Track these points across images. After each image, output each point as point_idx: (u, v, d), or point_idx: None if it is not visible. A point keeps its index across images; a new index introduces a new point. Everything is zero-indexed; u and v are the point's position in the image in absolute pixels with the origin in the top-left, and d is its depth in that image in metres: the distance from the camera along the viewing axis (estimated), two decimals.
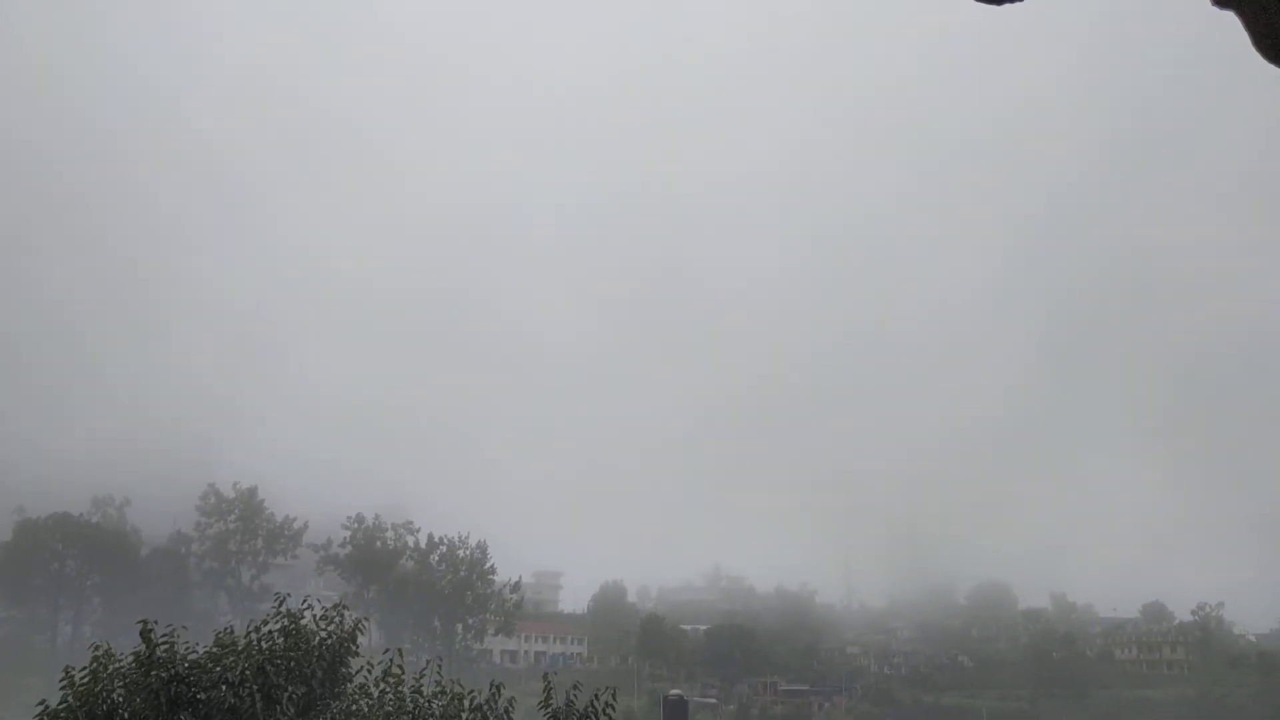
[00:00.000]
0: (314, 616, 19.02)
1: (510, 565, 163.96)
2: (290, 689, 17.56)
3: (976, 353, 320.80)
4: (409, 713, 19.16)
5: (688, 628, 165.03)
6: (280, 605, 19.12)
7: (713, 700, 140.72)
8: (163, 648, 17.94)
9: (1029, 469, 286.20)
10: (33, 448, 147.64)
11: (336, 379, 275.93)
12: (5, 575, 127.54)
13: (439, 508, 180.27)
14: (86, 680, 17.99)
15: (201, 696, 17.36)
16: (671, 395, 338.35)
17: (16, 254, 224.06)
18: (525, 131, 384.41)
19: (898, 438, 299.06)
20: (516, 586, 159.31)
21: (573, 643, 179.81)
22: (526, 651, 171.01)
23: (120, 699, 17.72)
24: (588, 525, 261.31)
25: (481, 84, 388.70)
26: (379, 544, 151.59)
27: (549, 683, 20.15)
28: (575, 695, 20.65)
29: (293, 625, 18.63)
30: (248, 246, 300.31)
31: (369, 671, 19.89)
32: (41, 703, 18.22)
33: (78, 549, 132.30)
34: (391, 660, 19.89)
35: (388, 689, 19.70)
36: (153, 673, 17.61)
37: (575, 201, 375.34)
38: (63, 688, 18.08)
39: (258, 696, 17.16)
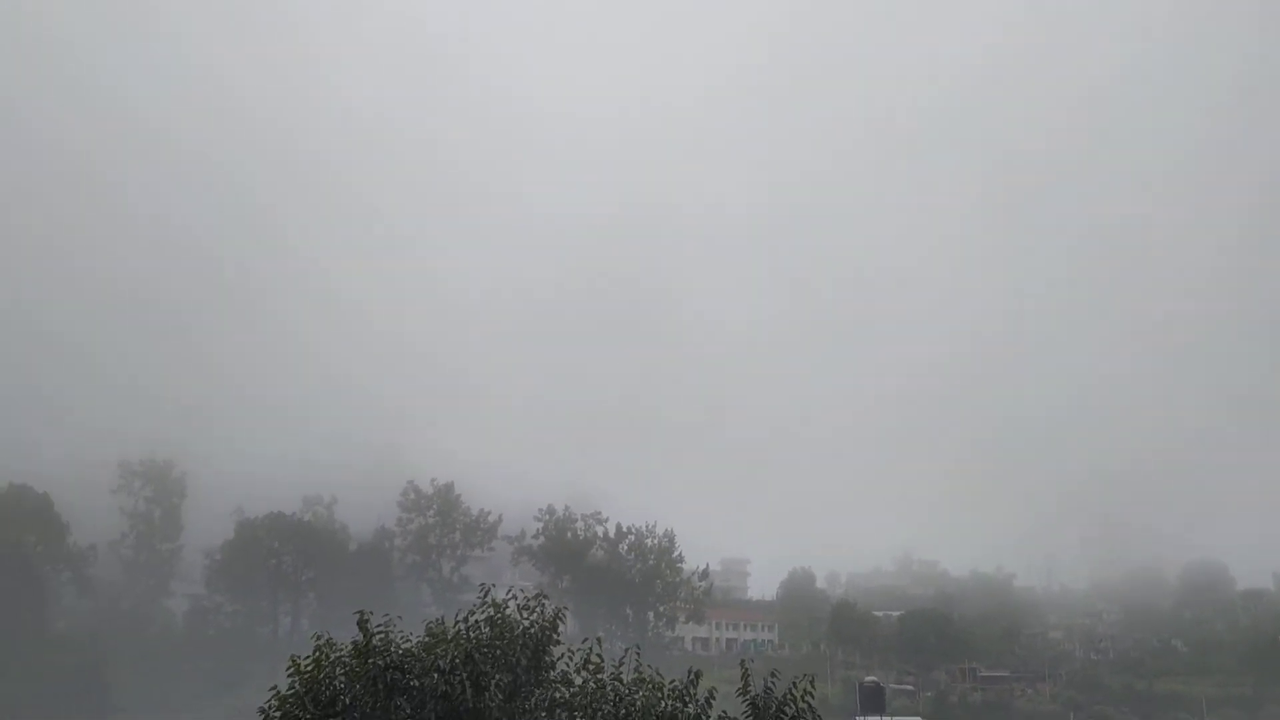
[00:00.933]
0: (516, 606, 19.59)
1: (697, 553, 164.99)
2: (497, 676, 18.13)
3: (1186, 331, 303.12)
4: (610, 701, 19.50)
5: (880, 614, 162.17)
6: (485, 595, 19.79)
7: (909, 687, 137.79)
8: (378, 637, 18.86)
9: (1243, 442, 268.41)
10: (249, 453, 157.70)
11: (519, 379, 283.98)
12: (230, 572, 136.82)
13: (624, 498, 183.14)
14: (310, 668, 19.09)
15: (415, 683, 18.14)
16: (855, 377, 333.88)
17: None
18: (698, 126, 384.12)
19: (1096, 412, 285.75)
20: (705, 574, 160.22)
21: (763, 629, 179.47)
22: (717, 639, 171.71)
23: (341, 685, 18.72)
24: (773, 512, 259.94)
25: (637, 82, 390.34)
26: (569, 535, 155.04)
27: (746, 669, 20.12)
28: (773, 682, 20.56)
29: (498, 615, 19.23)
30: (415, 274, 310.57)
31: (570, 659, 20.35)
32: (273, 688, 19.44)
33: (292, 546, 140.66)
34: (591, 649, 20.27)
35: (588, 677, 20.08)
36: (370, 660, 18.53)
37: (749, 191, 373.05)
38: (290, 675, 19.25)
39: (467, 684, 17.79)
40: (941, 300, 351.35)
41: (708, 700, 20.02)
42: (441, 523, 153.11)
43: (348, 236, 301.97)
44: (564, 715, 19.12)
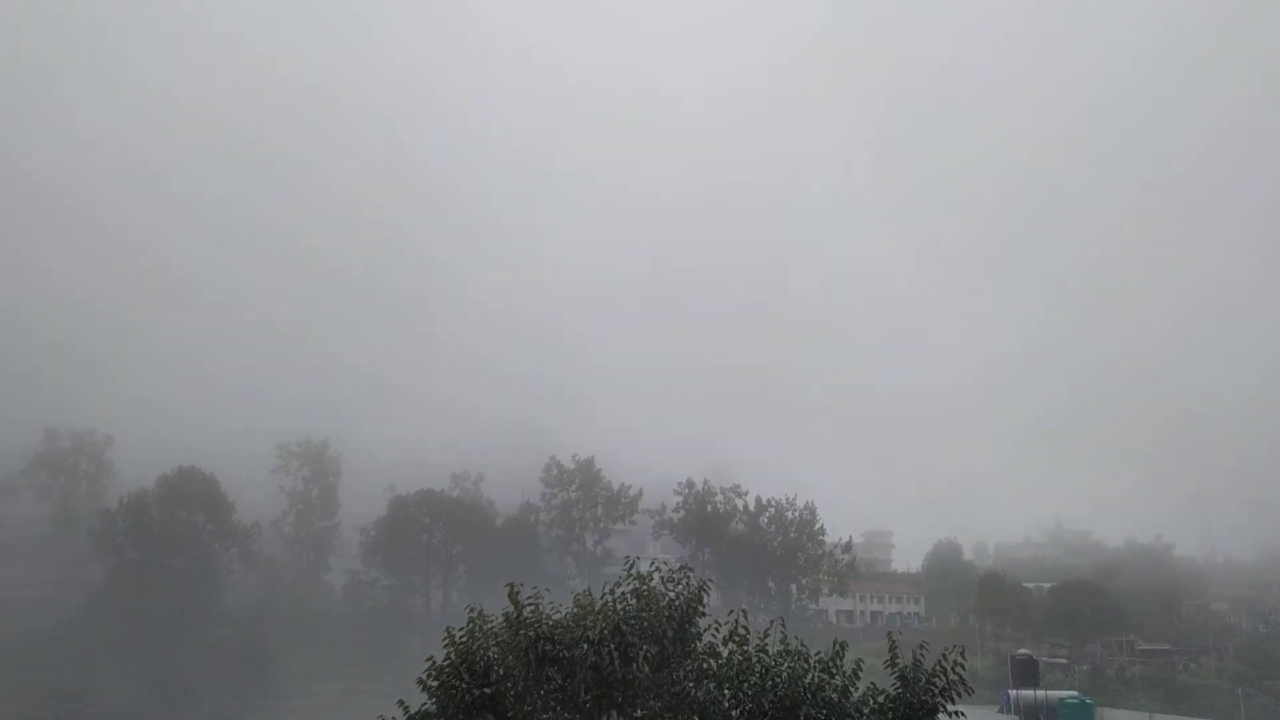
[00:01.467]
0: (661, 578, 19.82)
1: (839, 526, 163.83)
2: (645, 647, 18.40)
3: None
4: (757, 672, 19.59)
5: (1030, 585, 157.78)
6: (630, 568, 20.08)
7: (1063, 660, 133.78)
8: (528, 609, 19.38)
9: None
10: (399, 433, 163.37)
11: (655, 354, 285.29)
12: (384, 547, 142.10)
13: (763, 471, 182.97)
14: (464, 639, 19.76)
15: (565, 654, 18.59)
16: (1002, 343, 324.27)
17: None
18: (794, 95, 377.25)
19: (1257, 373, 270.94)
20: (848, 547, 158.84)
21: (909, 602, 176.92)
22: (862, 611, 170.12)
23: (494, 656, 19.33)
24: (918, 484, 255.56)
25: (727, 54, 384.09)
26: (709, 508, 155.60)
27: (894, 641, 19.94)
28: (922, 654, 20.32)
29: (643, 587, 19.50)
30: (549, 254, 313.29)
31: (715, 631, 20.51)
32: (429, 659, 20.22)
33: (442, 521, 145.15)
34: (736, 620, 20.38)
35: (735, 649, 20.21)
36: (521, 632, 19.06)
37: (872, 150, 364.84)
38: (445, 645, 19.97)
39: (615, 654, 18.12)
40: (1103, 254, 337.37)
41: (855, 672, 19.93)
42: (584, 497, 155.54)
43: (475, 229, 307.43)
44: (711, 685, 19.30)
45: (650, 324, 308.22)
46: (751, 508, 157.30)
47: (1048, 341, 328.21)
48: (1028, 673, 76.37)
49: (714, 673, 19.70)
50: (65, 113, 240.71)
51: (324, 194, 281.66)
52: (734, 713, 19.55)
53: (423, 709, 19.84)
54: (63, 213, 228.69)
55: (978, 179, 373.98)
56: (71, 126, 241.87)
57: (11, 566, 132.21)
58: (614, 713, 18.01)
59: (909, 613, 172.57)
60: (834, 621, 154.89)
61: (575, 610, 19.54)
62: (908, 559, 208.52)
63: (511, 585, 19.87)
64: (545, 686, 19.14)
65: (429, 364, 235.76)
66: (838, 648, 20.19)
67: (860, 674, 19.89)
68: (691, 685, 18.90)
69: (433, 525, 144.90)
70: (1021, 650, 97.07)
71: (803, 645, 20.27)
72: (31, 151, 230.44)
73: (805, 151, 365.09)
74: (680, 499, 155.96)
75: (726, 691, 19.52)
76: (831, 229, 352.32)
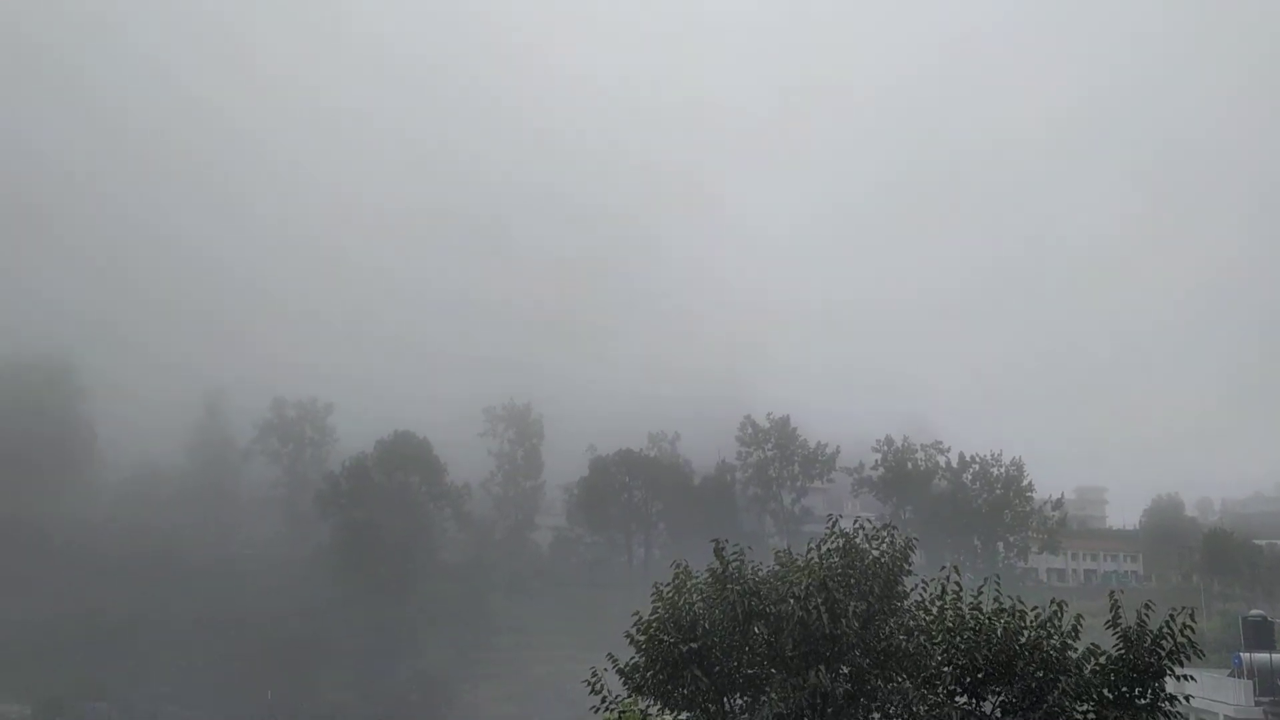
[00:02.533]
0: (865, 535, 19.62)
1: (1049, 481, 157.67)
2: (853, 604, 18.29)
3: None
4: (970, 628, 19.17)
5: (1262, 542, 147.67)
6: (833, 526, 19.96)
7: None
8: (733, 565, 19.55)
9: None
10: (598, 394, 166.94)
11: (836, 309, 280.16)
12: (586, 506, 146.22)
13: (966, 427, 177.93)
14: (671, 594, 20.13)
15: (771, 610, 18.67)
16: (1221, 290, 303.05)
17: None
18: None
19: None
20: (1058, 503, 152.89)
21: (1125, 560, 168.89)
22: (1074, 570, 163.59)
23: (700, 610, 19.62)
24: (1133, 436, 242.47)
25: None
26: (910, 465, 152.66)
27: (1116, 600, 19.13)
28: (1146, 614, 19.45)
29: (848, 544, 19.35)
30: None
31: (924, 589, 20.16)
32: (636, 614, 20.70)
33: (641, 481, 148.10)
34: (948, 577, 19.97)
35: (946, 605, 19.82)
36: (728, 586, 19.26)
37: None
38: (653, 601, 20.40)
39: (823, 610, 18.09)
40: None
41: (1074, 630, 19.24)
42: (780, 455, 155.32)
43: (666, 187, 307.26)
44: (922, 639, 19.01)
45: (838, 278, 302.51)
46: (954, 464, 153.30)
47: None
48: (1262, 635, 71.55)
49: (925, 628, 19.41)
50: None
51: (513, 172, 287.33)
52: (945, 668, 19.21)
53: (631, 662, 20.36)
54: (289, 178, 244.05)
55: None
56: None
57: (249, 526, 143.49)
58: (821, 668, 17.98)
59: (1125, 571, 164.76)
60: (1044, 580, 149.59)
61: (779, 567, 19.58)
62: (1123, 515, 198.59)
63: (717, 541, 20.06)
64: (751, 642, 19.30)
65: (622, 323, 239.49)
66: (1056, 606, 19.54)
67: (1080, 632, 19.19)
68: (902, 639, 18.66)
69: (632, 484, 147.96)
70: (1255, 611, 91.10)
71: (1019, 601, 19.71)
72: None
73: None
74: (879, 456, 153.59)
75: (938, 646, 19.20)
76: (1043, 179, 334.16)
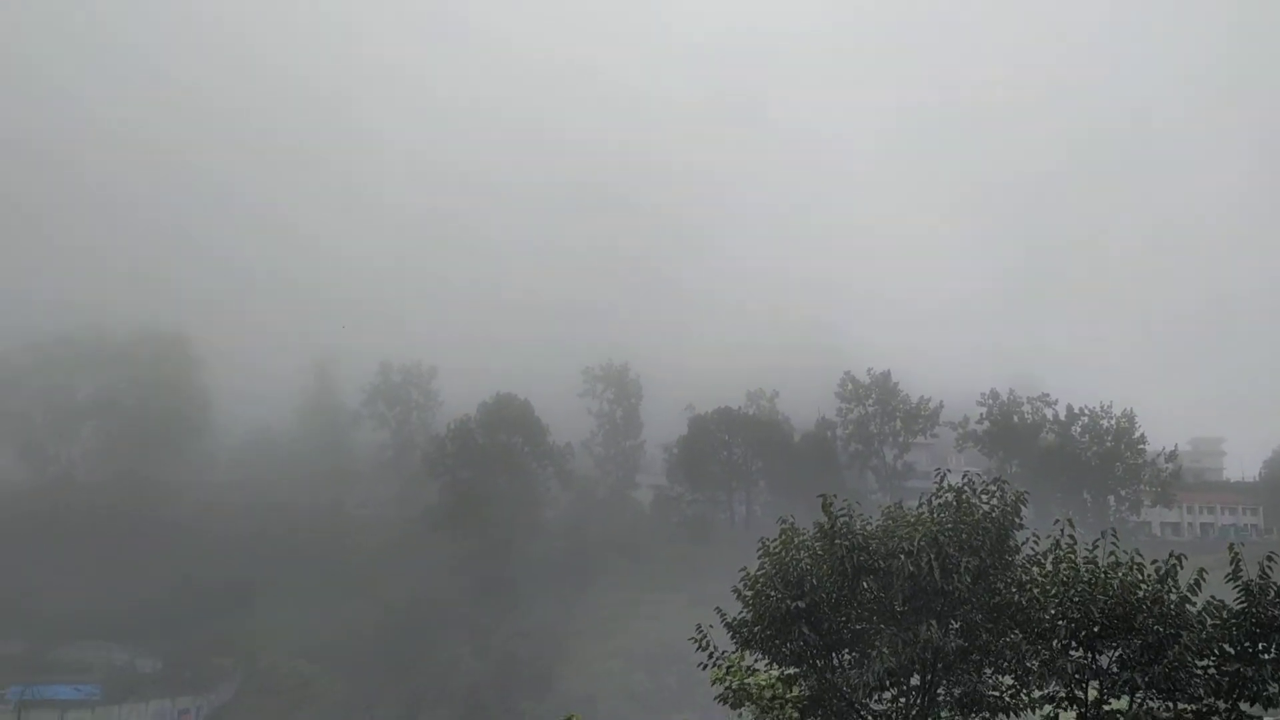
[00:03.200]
0: (974, 491, 19.43)
1: (1162, 433, 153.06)
2: (964, 559, 18.19)
3: None
4: (1085, 582, 18.91)
5: None
6: (941, 480, 19.81)
7: None
8: (841, 520, 19.57)
9: None
10: (695, 353, 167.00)
11: (943, 261, 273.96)
12: (686, 464, 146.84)
13: (1075, 379, 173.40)
14: (778, 550, 20.26)
15: (881, 565, 18.69)
16: None
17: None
18: None
19: None
20: (1172, 455, 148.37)
21: (1244, 513, 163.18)
22: (1190, 523, 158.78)
23: (808, 566, 19.72)
24: (1253, 385, 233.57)
25: None
26: (1016, 419, 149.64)
27: (1235, 554, 18.68)
28: (1268, 568, 18.96)
29: (958, 499, 19.21)
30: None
31: (1034, 544, 19.92)
32: (743, 569, 20.92)
33: (740, 438, 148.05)
34: (1062, 529, 19.70)
35: (1060, 559, 19.57)
36: (836, 542, 19.31)
37: None
38: (760, 556, 20.57)
39: (934, 565, 18.03)
40: None
41: (1193, 584, 18.83)
42: (881, 411, 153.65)
43: (752, 128, 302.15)
44: (1036, 593, 18.84)
45: (945, 230, 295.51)
46: (1062, 417, 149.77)
47: None
48: None
49: (1038, 583, 19.20)
50: None
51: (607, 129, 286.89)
52: (1060, 623, 19.01)
53: (738, 617, 20.58)
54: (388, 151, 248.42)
55: None
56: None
57: (361, 488, 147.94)
58: (932, 622, 17.96)
59: (1245, 524, 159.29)
60: (1158, 534, 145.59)
61: (887, 523, 19.53)
62: (1242, 467, 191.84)
63: (825, 496, 20.09)
64: (860, 597, 19.35)
65: (718, 281, 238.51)
66: (1174, 559, 19.12)
67: (1200, 586, 18.77)
68: (1015, 593, 18.51)
69: (731, 442, 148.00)
70: None
71: (1137, 554, 19.34)
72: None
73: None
74: (984, 410, 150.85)
75: (1052, 600, 18.98)
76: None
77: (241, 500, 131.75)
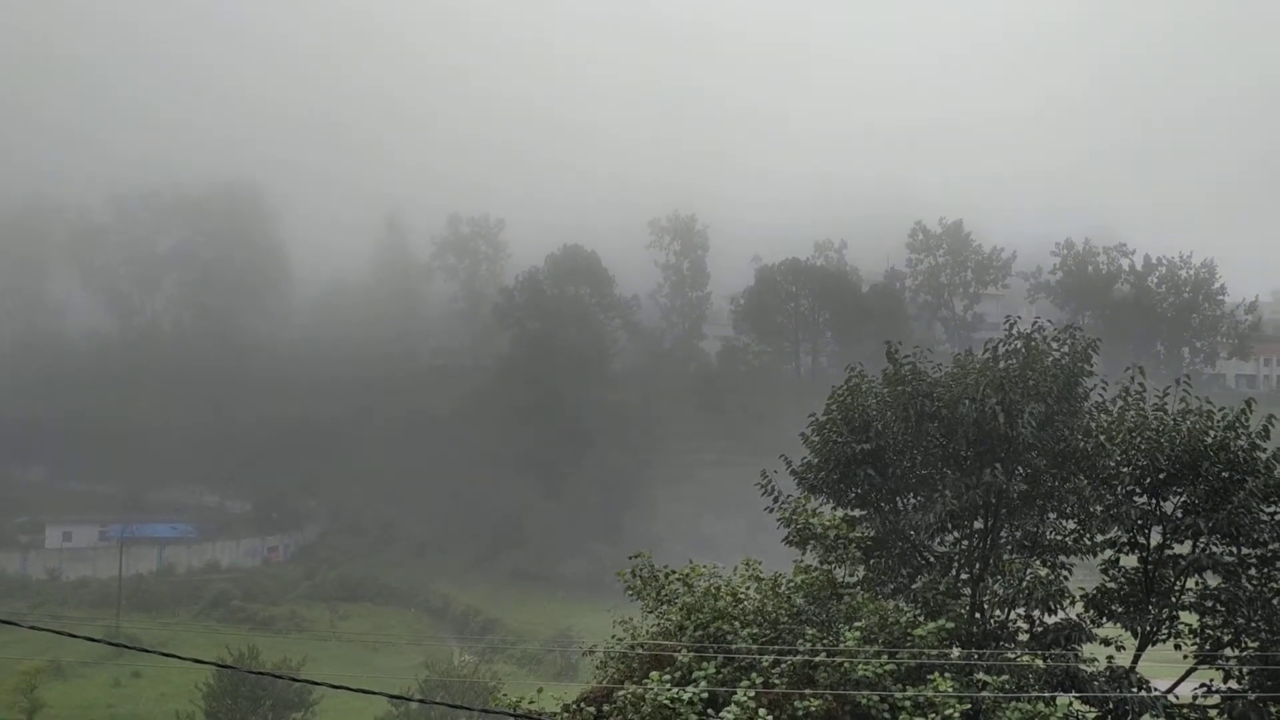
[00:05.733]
0: (1044, 338, 19.41)
1: (1243, 283, 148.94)
2: (1030, 405, 18.32)
3: None
4: (1152, 429, 19.00)
5: None
6: (1010, 328, 19.80)
7: None
8: (907, 367, 19.75)
9: None
10: (762, 203, 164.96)
11: (1017, 106, 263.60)
12: (753, 315, 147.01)
13: (1154, 228, 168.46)
14: (844, 396, 20.57)
15: (946, 411, 18.90)
16: None
17: None
18: None
19: None
20: (1252, 307, 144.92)
21: None
22: (1267, 375, 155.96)
23: (874, 412, 20.04)
24: None
25: None
26: (1090, 269, 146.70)
27: None
28: None
29: (1026, 346, 19.22)
30: None
31: (1103, 391, 19.95)
32: (811, 415, 21.31)
33: (808, 290, 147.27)
34: (1132, 376, 19.68)
35: (1128, 406, 19.61)
36: (900, 388, 19.55)
37: None
38: (827, 402, 20.92)
39: (999, 411, 18.20)
40: None
41: (1263, 430, 18.80)
42: (952, 262, 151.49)
43: None
44: (1102, 439, 18.98)
45: (1017, 75, 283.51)
46: (1139, 267, 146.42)
47: None
48: None
49: (1104, 428, 19.31)
50: None
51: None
52: (1124, 469, 19.19)
53: (804, 462, 21.07)
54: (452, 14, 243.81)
55: None
56: None
57: (434, 339, 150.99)
58: (996, 467, 18.24)
59: None
60: (1233, 386, 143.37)
61: (954, 370, 19.64)
62: None
63: (890, 343, 20.24)
64: (925, 442, 19.64)
65: (783, 131, 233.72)
66: (1247, 405, 19.07)
67: (1270, 433, 18.74)
68: (1081, 439, 18.66)
69: (798, 294, 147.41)
70: None
71: (1208, 402, 19.32)
72: None
73: None
74: (1057, 261, 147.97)
75: (1117, 446, 19.13)
76: None
77: (321, 350, 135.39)
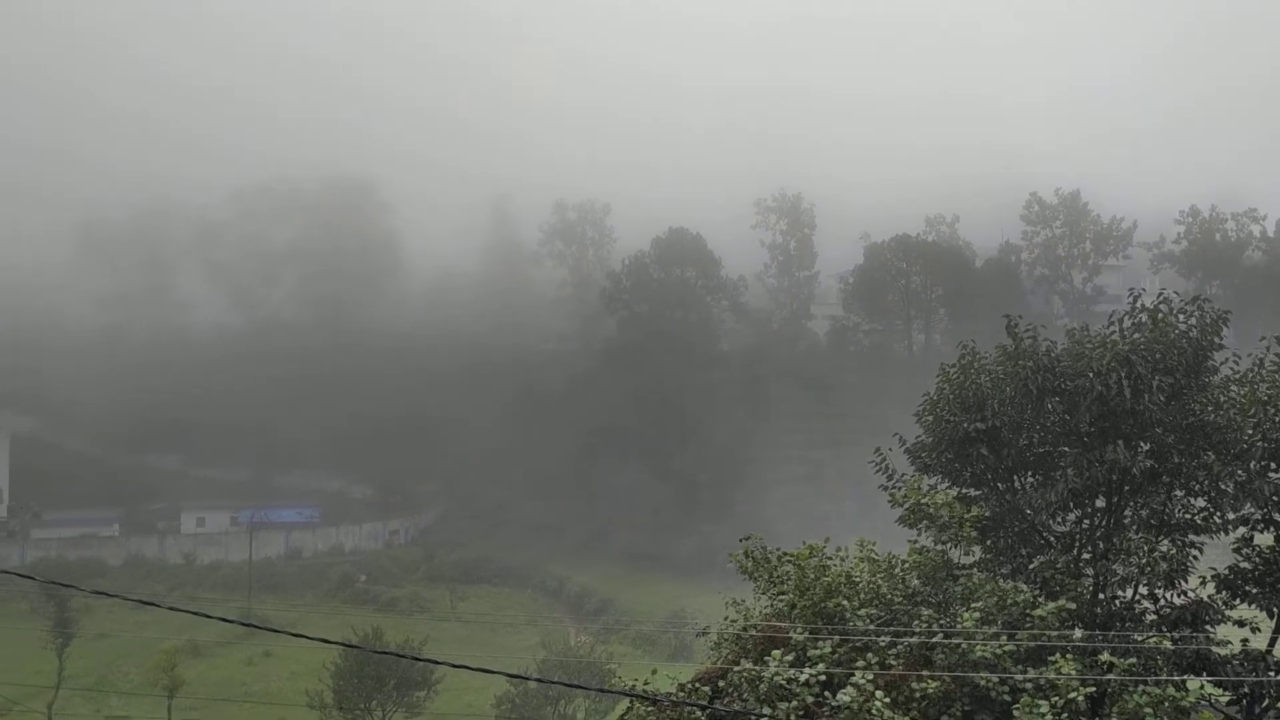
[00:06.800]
0: (1171, 309, 18.73)
1: None
2: (1157, 379, 17.71)
3: None
4: None
5: None
6: (1135, 300, 19.16)
7: None
8: (1026, 341, 19.27)
9: None
10: (870, 179, 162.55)
11: (1128, 72, 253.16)
12: (863, 294, 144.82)
13: None
14: (957, 374, 20.19)
15: (1067, 385, 18.39)
16: None
17: None
18: None
19: None
20: None
21: None
22: None
23: (989, 390, 19.61)
24: None
25: None
26: (1218, 237, 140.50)
27: None
28: None
29: (1150, 319, 18.58)
30: None
31: (1234, 365, 19.18)
32: (925, 394, 21.00)
33: (919, 266, 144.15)
34: (1267, 349, 18.88)
35: (1261, 378, 18.82)
36: (1019, 363, 19.08)
37: None
38: (939, 380, 20.57)
39: (1125, 384, 17.63)
40: None
41: None
42: (1069, 233, 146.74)
43: None
44: (1233, 412, 18.25)
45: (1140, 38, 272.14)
46: (1270, 233, 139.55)
47: None
48: None
49: (1235, 402, 18.55)
50: None
51: None
52: (1258, 443, 18.40)
53: (917, 441, 20.77)
54: None
55: None
56: None
57: (543, 323, 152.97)
58: (1119, 443, 17.69)
59: None
60: None
61: (1074, 345, 19.11)
62: None
63: (1009, 317, 19.79)
64: (1044, 419, 19.16)
65: (890, 104, 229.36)
66: None
67: None
68: (1211, 413, 17.95)
69: (909, 270, 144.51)
70: None
71: None
72: None
73: None
74: (1182, 229, 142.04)
75: (1250, 419, 18.34)
76: None
77: (433, 336, 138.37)
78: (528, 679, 44.89)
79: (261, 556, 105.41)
